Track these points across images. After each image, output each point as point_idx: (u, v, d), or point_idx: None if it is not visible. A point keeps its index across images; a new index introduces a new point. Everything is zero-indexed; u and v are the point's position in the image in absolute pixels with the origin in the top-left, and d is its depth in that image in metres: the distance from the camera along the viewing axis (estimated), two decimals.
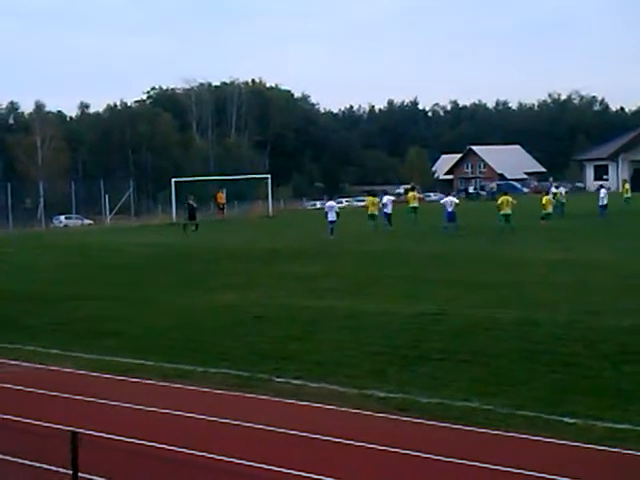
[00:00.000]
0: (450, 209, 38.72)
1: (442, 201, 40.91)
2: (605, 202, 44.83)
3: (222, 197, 63.50)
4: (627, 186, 54.86)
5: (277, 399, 11.03)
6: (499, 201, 38.59)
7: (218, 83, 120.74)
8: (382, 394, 10.92)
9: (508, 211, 37.56)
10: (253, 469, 8.40)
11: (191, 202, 49.69)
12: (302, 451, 9.05)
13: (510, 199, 38.34)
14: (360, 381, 11.58)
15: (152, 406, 10.87)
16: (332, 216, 39.15)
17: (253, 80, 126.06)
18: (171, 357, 13.67)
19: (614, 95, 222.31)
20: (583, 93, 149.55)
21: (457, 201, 40.12)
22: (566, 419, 9.56)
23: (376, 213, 41.99)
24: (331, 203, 40.87)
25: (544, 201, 41.69)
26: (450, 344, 13.68)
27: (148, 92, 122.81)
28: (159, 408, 10.77)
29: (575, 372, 11.62)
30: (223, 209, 63.24)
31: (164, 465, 7.94)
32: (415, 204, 44.66)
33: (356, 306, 17.82)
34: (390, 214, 42.99)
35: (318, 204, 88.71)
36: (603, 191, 46.29)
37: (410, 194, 46.28)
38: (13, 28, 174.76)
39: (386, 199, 44.00)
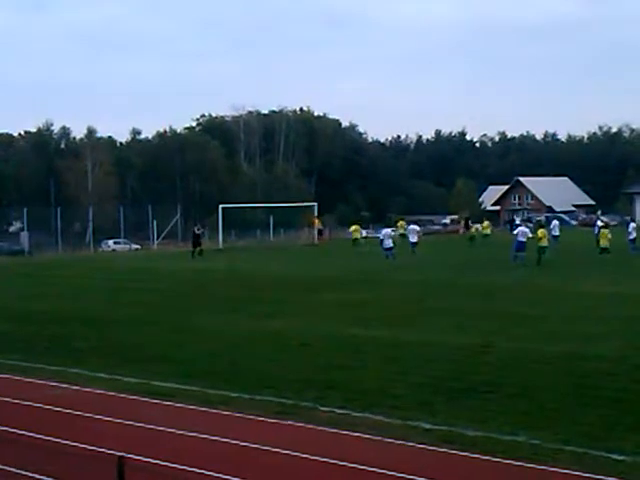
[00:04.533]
0: (522, 239, 38.39)
1: (515, 231, 40.86)
2: (634, 236, 44.38)
3: (317, 222, 66.70)
4: None
5: (321, 428, 10.98)
6: (538, 234, 38.61)
7: (266, 111, 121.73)
8: (427, 426, 10.84)
9: (544, 244, 37.78)
10: None
11: (196, 230, 52.25)
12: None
13: (546, 231, 39.15)
14: (405, 412, 11.51)
15: (195, 432, 10.88)
16: (388, 243, 40.37)
17: (301, 109, 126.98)
18: (215, 383, 13.71)
19: None
20: (634, 126, 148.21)
21: (530, 234, 39.69)
22: (614, 456, 9.41)
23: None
24: (387, 230, 42.61)
25: (601, 235, 41.26)
26: (496, 377, 13.56)
27: (198, 119, 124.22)
28: (202, 434, 10.79)
29: (624, 408, 11.45)
30: (322, 234, 66.20)
31: None
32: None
33: (401, 336, 17.75)
34: (415, 242, 45.52)
35: (364, 233, 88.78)
36: (632, 225, 46.02)
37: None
38: (66, 53, 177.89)
39: (410, 228, 46.41)
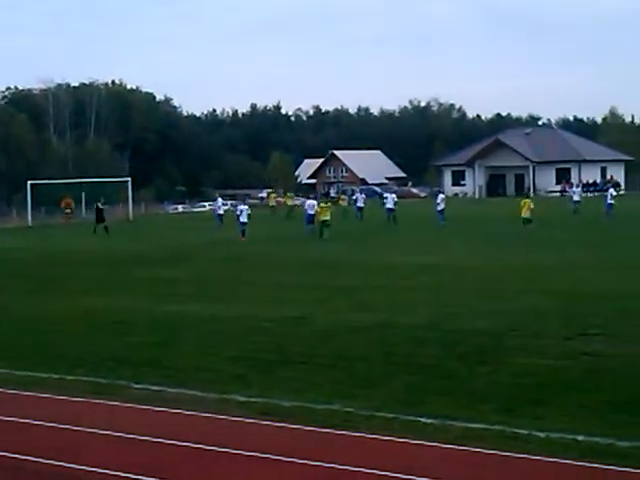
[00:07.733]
0: (311, 212, 39.97)
1: (306, 204, 41.71)
2: (442, 207, 46.00)
3: (66, 203, 64.17)
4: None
5: (135, 405, 10.81)
6: (320, 208, 39.05)
7: (77, 84, 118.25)
8: (243, 398, 10.85)
9: (326, 217, 38.27)
10: (111, 477, 8.21)
11: (99, 205, 49.86)
12: (159, 457, 8.87)
13: (329, 205, 40.13)
14: (221, 386, 11.48)
15: (4, 415, 10.47)
16: (244, 218, 39.84)
17: (113, 82, 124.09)
18: (25, 365, 13.22)
19: (471, 103, 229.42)
20: (442, 100, 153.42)
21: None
22: (423, 419, 9.71)
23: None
24: (243, 206, 41.49)
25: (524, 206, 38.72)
26: (312, 348, 13.73)
27: (3, 92, 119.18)
28: (11, 417, 10.38)
29: (432, 373, 11.85)
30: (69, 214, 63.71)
31: (21, 477, 7.66)
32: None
33: (218, 311, 17.70)
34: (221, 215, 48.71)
35: (180, 208, 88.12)
36: (441, 196, 47.84)
37: None
38: None
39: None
